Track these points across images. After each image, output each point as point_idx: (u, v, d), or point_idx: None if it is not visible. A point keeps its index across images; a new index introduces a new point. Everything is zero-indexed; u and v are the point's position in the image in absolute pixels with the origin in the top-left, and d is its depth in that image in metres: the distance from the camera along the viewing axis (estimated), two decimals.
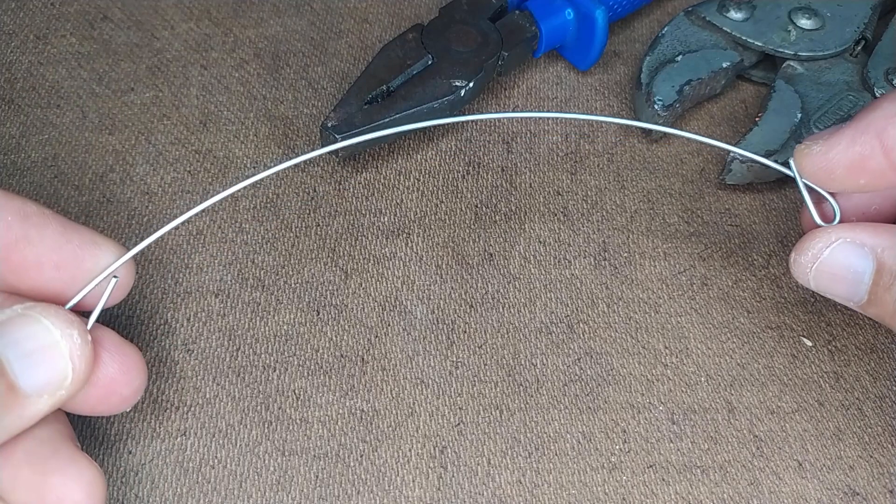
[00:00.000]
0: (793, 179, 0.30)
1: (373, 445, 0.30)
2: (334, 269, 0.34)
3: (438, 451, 0.30)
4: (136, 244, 0.34)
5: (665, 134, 0.38)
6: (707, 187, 0.37)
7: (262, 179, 0.29)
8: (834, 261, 0.27)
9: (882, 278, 0.27)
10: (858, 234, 0.27)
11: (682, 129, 0.38)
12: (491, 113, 0.39)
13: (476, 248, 0.35)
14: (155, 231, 0.34)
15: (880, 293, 0.27)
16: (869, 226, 0.27)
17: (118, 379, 0.26)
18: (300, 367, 0.31)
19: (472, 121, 0.39)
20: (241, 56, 0.40)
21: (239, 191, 0.29)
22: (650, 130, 0.38)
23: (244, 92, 0.39)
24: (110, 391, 0.26)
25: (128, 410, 0.28)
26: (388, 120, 0.34)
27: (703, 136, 0.37)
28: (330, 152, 0.34)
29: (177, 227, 0.28)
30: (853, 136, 0.27)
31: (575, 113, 0.39)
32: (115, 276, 0.26)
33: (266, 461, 0.29)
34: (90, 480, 0.25)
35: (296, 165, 0.36)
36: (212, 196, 0.31)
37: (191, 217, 0.28)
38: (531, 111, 0.39)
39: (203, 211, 0.29)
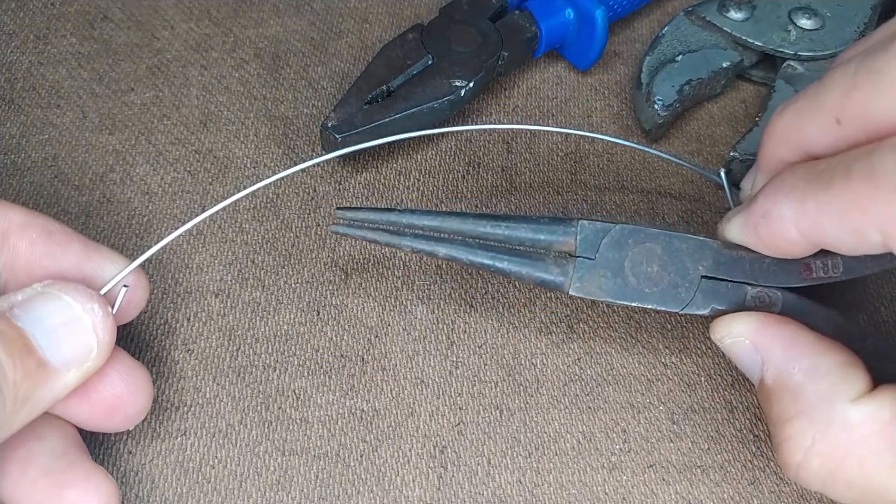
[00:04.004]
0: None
1: (373, 445, 0.30)
2: (334, 269, 0.34)
3: (438, 451, 0.30)
4: (136, 244, 0.34)
5: (664, 134, 0.39)
6: (707, 187, 0.37)
7: (261, 179, 0.29)
8: (732, 351, 0.28)
9: (760, 391, 0.27)
10: (758, 339, 0.27)
11: (675, 135, 0.39)
12: (495, 125, 0.39)
13: None
14: (155, 231, 0.34)
15: (760, 400, 0.27)
16: (772, 331, 0.27)
17: (124, 398, 0.27)
18: (300, 367, 0.31)
19: (481, 130, 0.39)
20: (241, 56, 0.40)
21: (239, 191, 0.29)
22: (650, 130, 0.38)
23: (244, 92, 0.39)
24: (116, 409, 0.27)
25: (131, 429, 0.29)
26: (388, 120, 0.34)
27: (694, 140, 0.37)
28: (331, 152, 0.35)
29: (177, 228, 0.28)
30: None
31: (569, 129, 0.39)
32: (125, 286, 0.27)
33: (266, 461, 0.29)
34: (106, 494, 0.25)
35: (295, 164, 0.36)
36: (212, 197, 0.31)
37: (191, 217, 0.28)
38: (535, 126, 0.39)
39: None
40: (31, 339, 0.23)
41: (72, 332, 0.24)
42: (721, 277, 0.29)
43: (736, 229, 0.28)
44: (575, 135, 0.38)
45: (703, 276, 0.29)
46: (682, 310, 0.29)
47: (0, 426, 0.23)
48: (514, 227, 0.29)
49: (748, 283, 0.29)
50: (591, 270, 0.29)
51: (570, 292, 0.29)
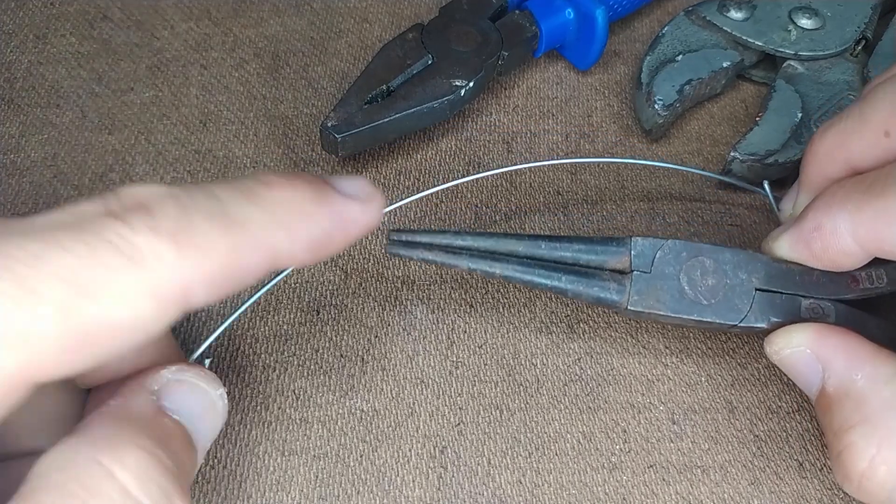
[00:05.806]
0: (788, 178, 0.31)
1: (373, 445, 0.30)
2: (334, 269, 0.34)
3: (438, 451, 0.30)
4: None
5: (665, 134, 0.39)
6: (707, 187, 0.37)
7: None
8: (790, 362, 0.28)
9: (820, 401, 0.27)
10: (819, 348, 0.27)
11: (675, 135, 0.39)
12: (502, 167, 0.39)
13: None
14: None
15: (818, 411, 0.27)
16: (832, 340, 0.27)
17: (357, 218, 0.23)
18: (300, 367, 0.31)
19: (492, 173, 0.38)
20: (241, 56, 0.40)
21: None
22: (650, 130, 0.37)
23: (244, 92, 0.39)
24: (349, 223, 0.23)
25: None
26: (388, 120, 0.34)
27: (694, 140, 0.37)
28: (331, 152, 0.35)
29: None
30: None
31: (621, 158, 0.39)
32: (208, 358, 0.28)
33: (266, 461, 0.29)
34: None
35: (295, 164, 0.36)
36: None
37: None
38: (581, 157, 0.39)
39: None
40: (186, 428, 0.23)
41: (210, 417, 0.24)
42: (775, 290, 0.29)
43: (785, 247, 0.28)
44: (576, 156, 0.38)
45: (756, 289, 0.29)
46: (741, 322, 0.29)
47: None
48: (569, 248, 0.30)
49: (801, 296, 0.29)
50: (648, 284, 0.29)
51: (629, 307, 0.29)
